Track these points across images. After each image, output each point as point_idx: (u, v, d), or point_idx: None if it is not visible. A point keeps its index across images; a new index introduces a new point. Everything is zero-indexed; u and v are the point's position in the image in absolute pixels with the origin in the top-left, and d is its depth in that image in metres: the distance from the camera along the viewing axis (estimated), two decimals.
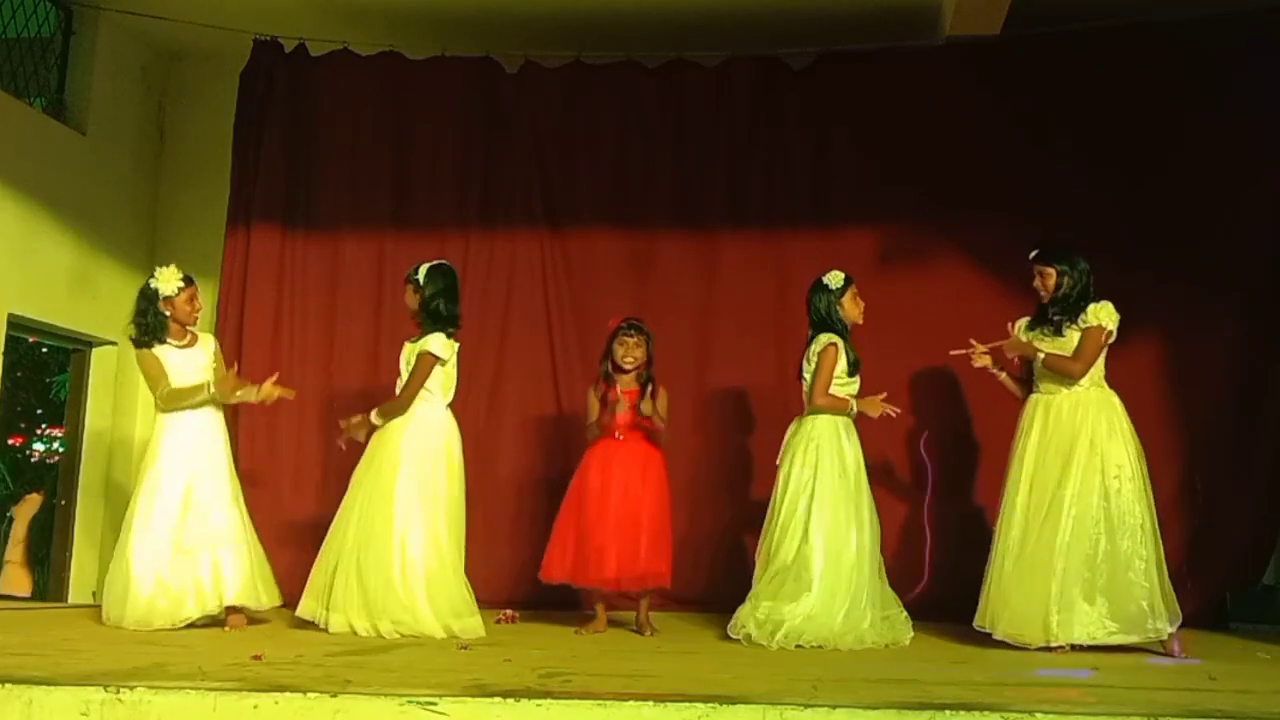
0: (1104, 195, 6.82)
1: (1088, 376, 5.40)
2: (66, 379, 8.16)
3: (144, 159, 7.94)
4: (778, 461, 5.71)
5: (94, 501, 7.50)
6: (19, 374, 9.02)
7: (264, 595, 5.80)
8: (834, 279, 5.71)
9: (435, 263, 5.84)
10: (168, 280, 5.77)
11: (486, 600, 5.92)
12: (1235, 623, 6.39)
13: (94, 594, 6.92)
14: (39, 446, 9.67)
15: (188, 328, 5.87)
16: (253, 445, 7.15)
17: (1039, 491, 5.35)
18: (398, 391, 5.74)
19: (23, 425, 9.58)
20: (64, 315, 7.25)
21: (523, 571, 6.85)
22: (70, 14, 7.45)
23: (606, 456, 5.83)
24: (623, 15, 7.09)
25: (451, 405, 5.78)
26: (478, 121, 7.47)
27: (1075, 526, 5.24)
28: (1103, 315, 5.40)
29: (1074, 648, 5.15)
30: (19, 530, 8.27)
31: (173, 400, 5.73)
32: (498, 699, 3.44)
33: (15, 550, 8.20)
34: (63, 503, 7.54)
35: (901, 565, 6.36)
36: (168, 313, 5.78)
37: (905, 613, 5.60)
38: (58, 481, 7.74)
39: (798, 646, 5.28)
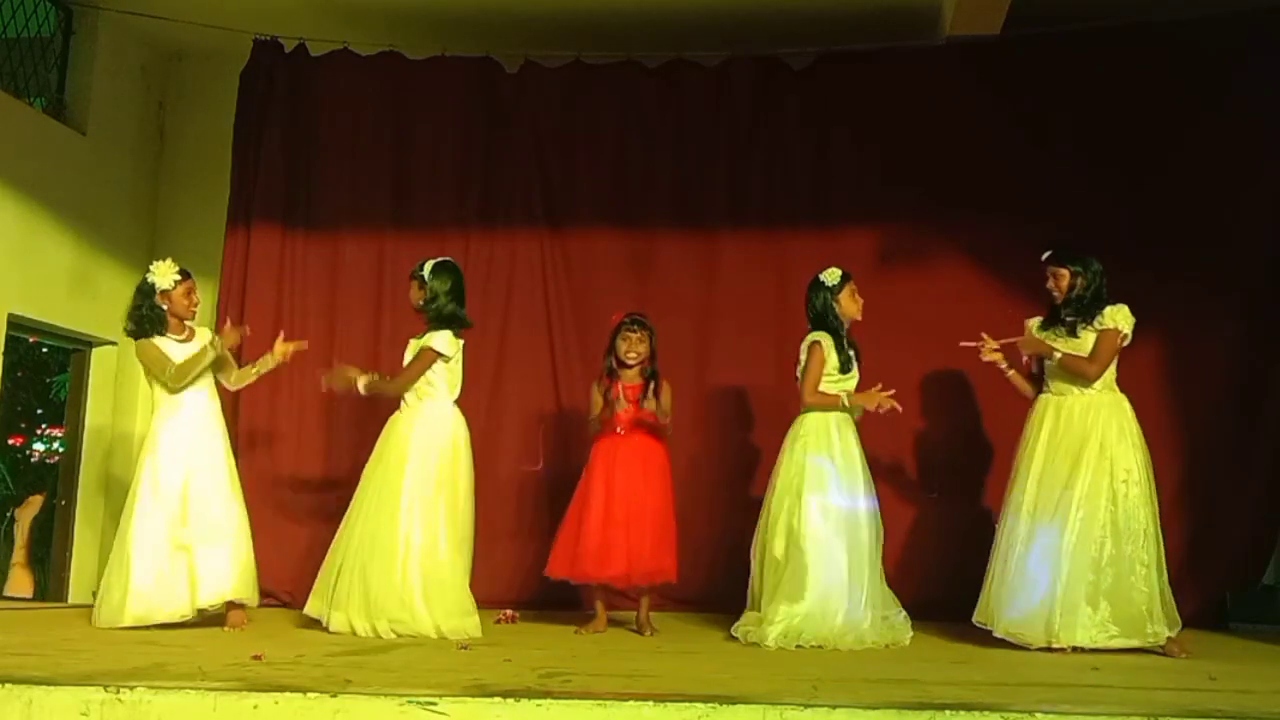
0: (1104, 195, 6.82)
1: (1100, 379, 5.41)
2: (66, 379, 8.16)
3: (144, 159, 7.94)
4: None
5: (94, 501, 7.50)
6: (19, 374, 9.02)
7: (254, 592, 5.81)
8: (830, 275, 5.71)
9: (441, 260, 5.85)
10: (164, 274, 5.77)
11: (487, 600, 5.92)
12: (1235, 623, 6.40)
13: (94, 594, 6.91)
14: (39, 446, 9.67)
15: (185, 322, 5.87)
16: (252, 446, 7.14)
17: (1046, 491, 5.35)
18: None
19: (23, 425, 9.58)
20: (64, 315, 7.25)
21: (523, 572, 6.87)
22: (70, 14, 7.45)
23: (610, 453, 5.84)
24: (623, 15, 7.10)
25: (458, 402, 5.79)
26: (478, 121, 7.47)
27: (1082, 528, 5.25)
28: (1119, 318, 5.41)
29: (1075, 650, 5.15)
30: (22, 532, 8.28)
31: (181, 374, 5.71)
32: (498, 699, 3.44)
33: (19, 552, 8.21)
34: (63, 503, 7.54)
35: (902, 565, 6.36)
36: (165, 306, 5.77)
37: (905, 613, 5.59)
38: (58, 482, 7.74)
39: (798, 646, 5.27)
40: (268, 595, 6.48)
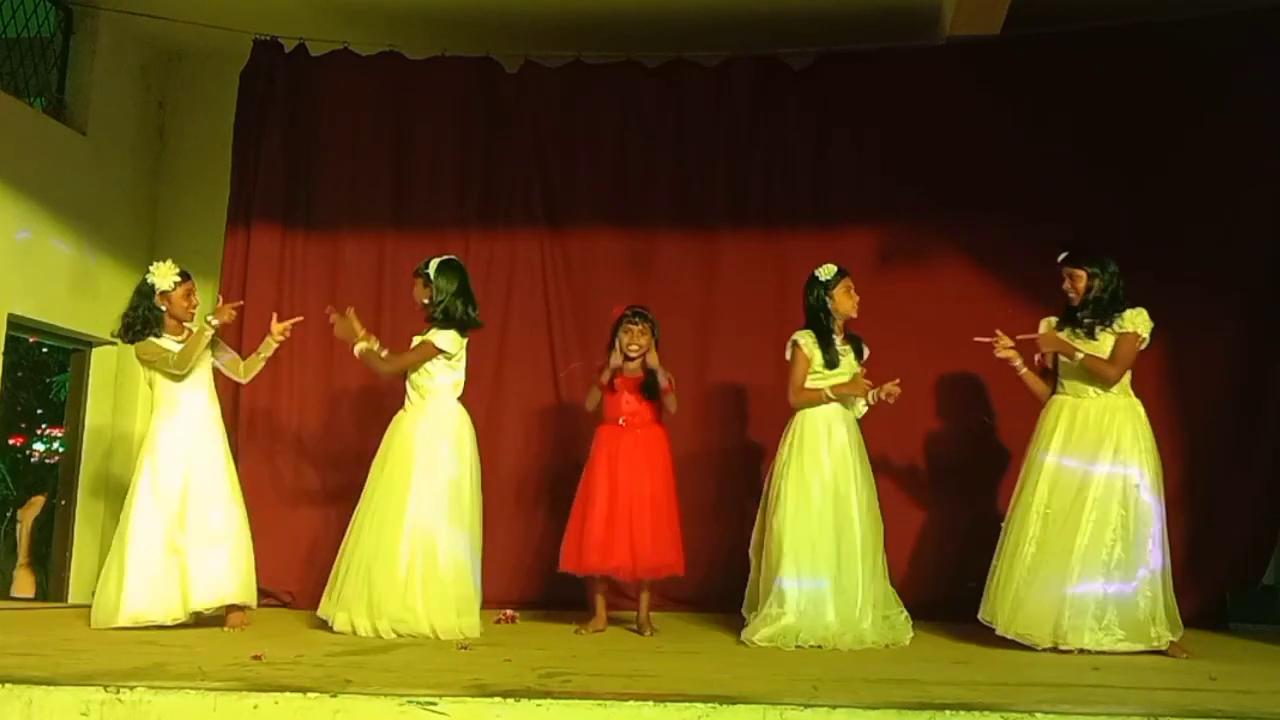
0: (1104, 195, 6.82)
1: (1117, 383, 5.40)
2: (66, 379, 8.16)
3: (144, 159, 7.94)
4: None
5: (94, 502, 7.50)
6: (19, 374, 9.01)
7: (254, 594, 5.80)
8: (825, 271, 5.72)
9: (446, 258, 5.85)
10: (164, 275, 5.77)
11: (487, 600, 5.90)
12: (1235, 623, 6.39)
13: (93, 594, 6.91)
14: (39, 446, 9.66)
15: (184, 324, 5.86)
16: (253, 446, 7.14)
17: (1061, 493, 5.34)
18: (408, 386, 5.77)
19: (23, 425, 9.57)
20: (64, 315, 7.25)
21: (523, 571, 6.88)
22: (70, 14, 7.45)
23: (612, 444, 5.87)
24: (623, 15, 7.09)
25: (461, 399, 5.80)
26: (478, 121, 7.48)
27: (1094, 531, 5.25)
28: (1139, 322, 5.41)
29: (1081, 651, 5.14)
30: (25, 533, 8.29)
31: (184, 360, 5.70)
32: (498, 699, 3.44)
33: (22, 553, 8.23)
34: (63, 503, 7.54)
35: (904, 564, 6.36)
36: (163, 308, 5.77)
37: (906, 613, 5.59)
38: (58, 482, 7.74)
39: (797, 647, 5.28)
40: (268, 595, 6.48)
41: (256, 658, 4.39)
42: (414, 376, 5.74)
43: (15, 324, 6.90)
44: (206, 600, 5.61)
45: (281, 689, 3.52)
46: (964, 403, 6.90)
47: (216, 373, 5.95)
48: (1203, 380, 6.57)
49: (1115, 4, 6.76)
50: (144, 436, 5.95)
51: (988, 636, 5.38)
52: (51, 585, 7.52)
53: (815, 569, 5.43)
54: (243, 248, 7.37)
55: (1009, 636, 5.26)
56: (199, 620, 5.64)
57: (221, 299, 6.30)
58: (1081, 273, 5.46)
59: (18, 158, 6.84)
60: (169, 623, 5.52)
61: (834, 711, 3.32)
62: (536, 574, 6.86)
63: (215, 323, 5.78)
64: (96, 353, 7.56)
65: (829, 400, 5.61)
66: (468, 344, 5.83)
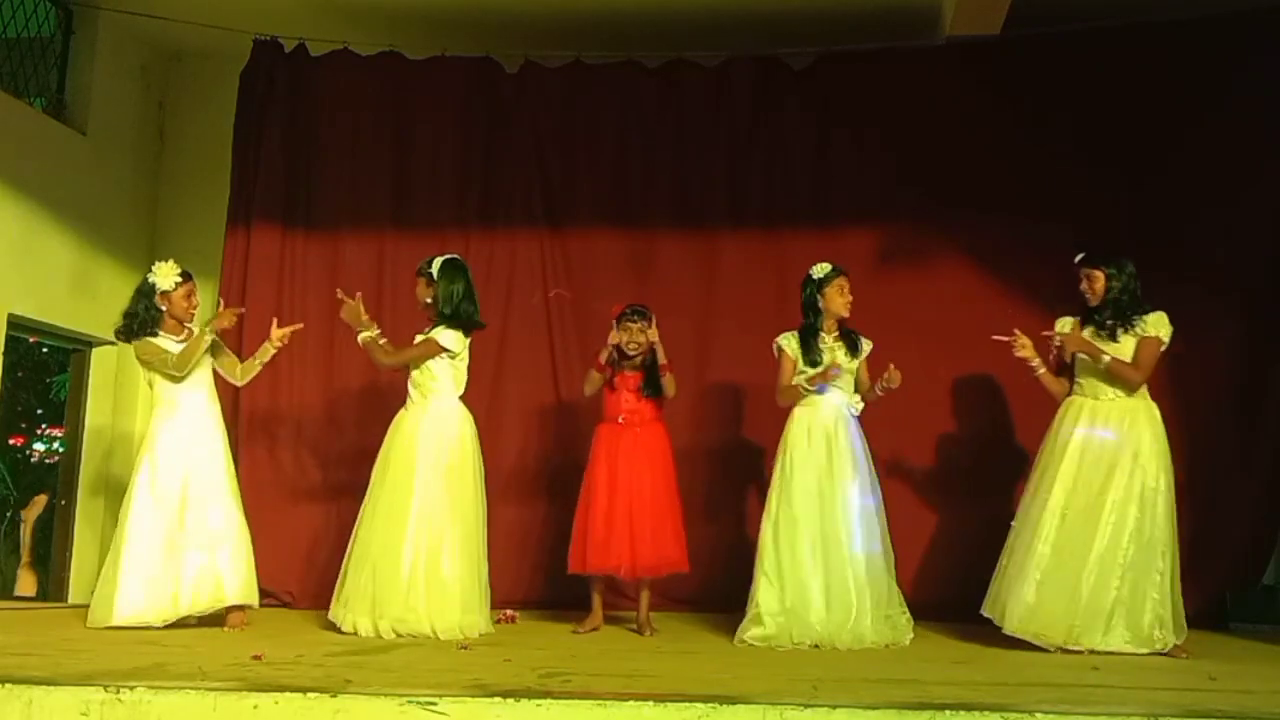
0: (1104, 195, 6.82)
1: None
2: (66, 379, 8.16)
3: (144, 159, 7.94)
4: None
5: (94, 502, 7.50)
6: (19, 374, 9.01)
7: (255, 594, 5.80)
8: (819, 269, 5.74)
9: (449, 257, 5.85)
10: (165, 275, 5.77)
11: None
12: (1235, 623, 6.39)
13: (93, 594, 6.92)
14: (39, 446, 9.67)
15: (185, 324, 5.86)
16: (253, 446, 7.14)
17: (1080, 494, 5.32)
18: (410, 385, 5.77)
19: (23, 425, 9.57)
20: (64, 315, 7.25)
21: (523, 571, 6.88)
22: (70, 14, 7.45)
23: (612, 443, 5.88)
24: (623, 15, 7.09)
25: (462, 398, 5.81)
26: (478, 121, 7.47)
27: (1112, 534, 5.24)
28: (1160, 326, 5.40)
29: (1091, 652, 5.13)
30: (27, 533, 8.31)
31: (183, 362, 5.70)
32: (498, 699, 3.44)
33: (24, 552, 8.25)
34: (63, 503, 7.54)
35: (906, 565, 6.36)
36: (164, 308, 5.77)
37: (908, 613, 5.59)
38: (58, 482, 7.74)
39: (793, 645, 5.28)
40: (268, 595, 6.48)
41: (256, 658, 4.39)
42: (416, 375, 5.74)
43: (15, 324, 6.91)
44: (206, 601, 5.61)
45: (281, 689, 3.52)
46: (964, 403, 6.90)
47: (216, 373, 5.95)
48: (1203, 380, 6.56)
49: (1115, 4, 6.76)
50: (144, 436, 5.94)
51: (988, 636, 5.38)
52: (51, 585, 7.52)
53: (796, 568, 5.44)
54: (243, 248, 7.37)
55: (1019, 635, 5.23)
56: (199, 620, 5.64)
57: (223, 302, 6.30)
58: (1099, 273, 5.45)
59: (18, 158, 6.84)
60: (162, 624, 5.51)
61: (834, 711, 3.32)
62: (537, 574, 6.86)
63: (215, 330, 5.79)
64: (96, 353, 7.56)
65: (807, 392, 5.62)
66: (469, 343, 5.83)
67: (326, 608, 5.71)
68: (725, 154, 7.33)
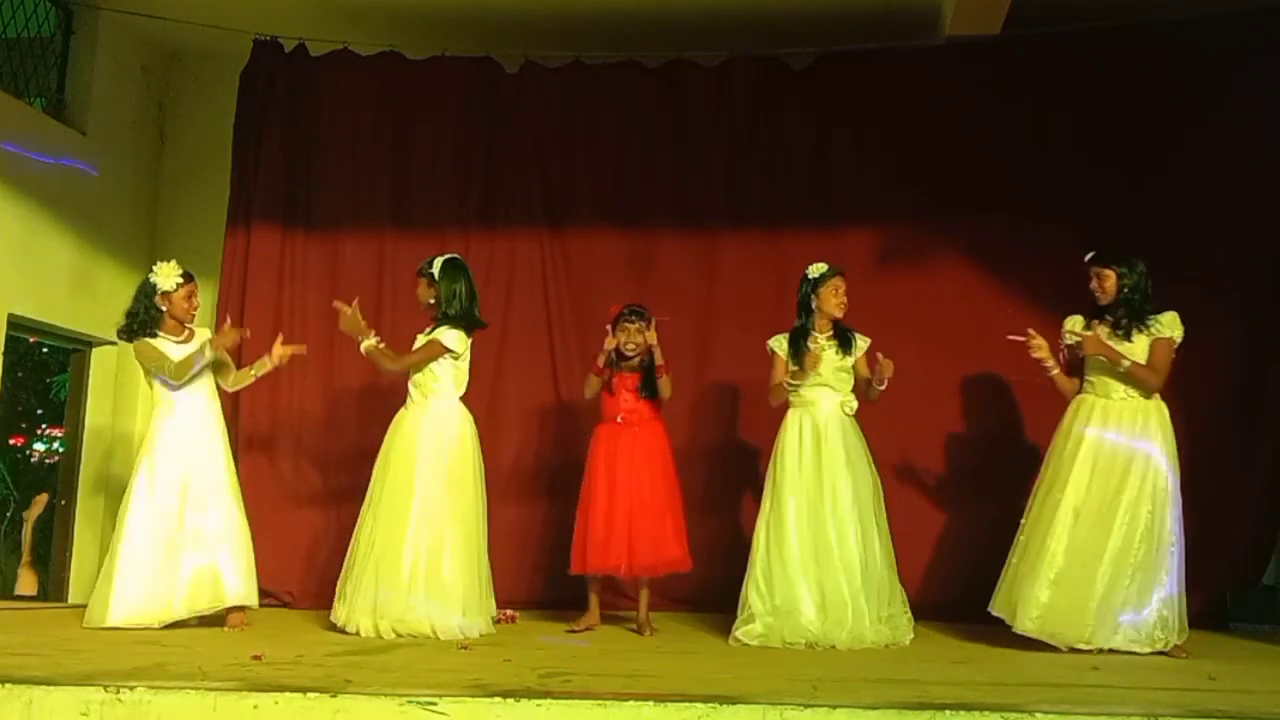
0: (1104, 195, 6.82)
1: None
2: (66, 379, 8.16)
3: (144, 159, 7.94)
4: None
5: (94, 502, 7.50)
6: (19, 374, 9.01)
7: (255, 595, 5.80)
8: (815, 269, 5.75)
9: (449, 256, 5.85)
10: (166, 276, 5.77)
11: None
12: (1235, 623, 6.38)
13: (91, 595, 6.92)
14: (39, 446, 9.67)
15: (185, 325, 5.86)
16: (253, 446, 7.14)
17: (1094, 494, 5.29)
18: (410, 385, 5.77)
19: (23, 425, 9.57)
20: (64, 315, 7.25)
21: (523, 571, 6.87)
22: (70, 14, 7.45)
23: (611, 443, 5.88)
24: (623, 15, 7.09)
25: (464, 399, 5.80)
26: (478, 121, 7.47)
27: (1126, 534, 5.23)
28: (1175, 327, 5.39)
29: (1101, 651, 5.12)
30: (28, 532, 8.31)
31: (182, 370, 5.70)
32: (498, 699, 3.44)
33: (25, 552, 8.24)
34: (63, 503, 7.54)
35: (907, 565, 6.36)
36: (164, 308, 5.77)
37: (909, 614, 5.58)
38: (58, 482, 7.74)
39: (786, 645, 5.28)
40: (268, 595, 6.48)
41: (256, 658, 4.39)
42: (417, 375, 5.74)
43: (15, 324, 6.90)
44: (205, 603, 5.60)
45: (281, 689, 3.52)
46: (964, 402, 6.90)
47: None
48: (1203, 380, 6.55)
49: (1115, 4, 6.76)
50: (144, 436, 5.94)
51: (989, 636, 5.38)
52: (51, 585, 7.52)
53: (786, 569, 5.44)
54: (243, 248, 7.37)
55: (1032, 635, 5.20)
56: (199, 620, 5.64)
57: (228, 319, 6.23)
58: (1110, 272, 5.42)
59: (18, 158, 6.84)
60: (159, 625, 5.50)
61: (834, 711, 3.32)
62: (537, 574, 6.86)
63: (217, 346, 5.78)
64: (96, 353, 7.56)
65: (792, 388, 5.64)
66: (470, 343, 5.83)
67: (327, 608, 5.71)
68: (725, 154, 7.33)
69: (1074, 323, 5.53)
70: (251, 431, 7.18)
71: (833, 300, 5.69)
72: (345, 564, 5.67)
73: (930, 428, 6.89)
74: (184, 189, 7.97)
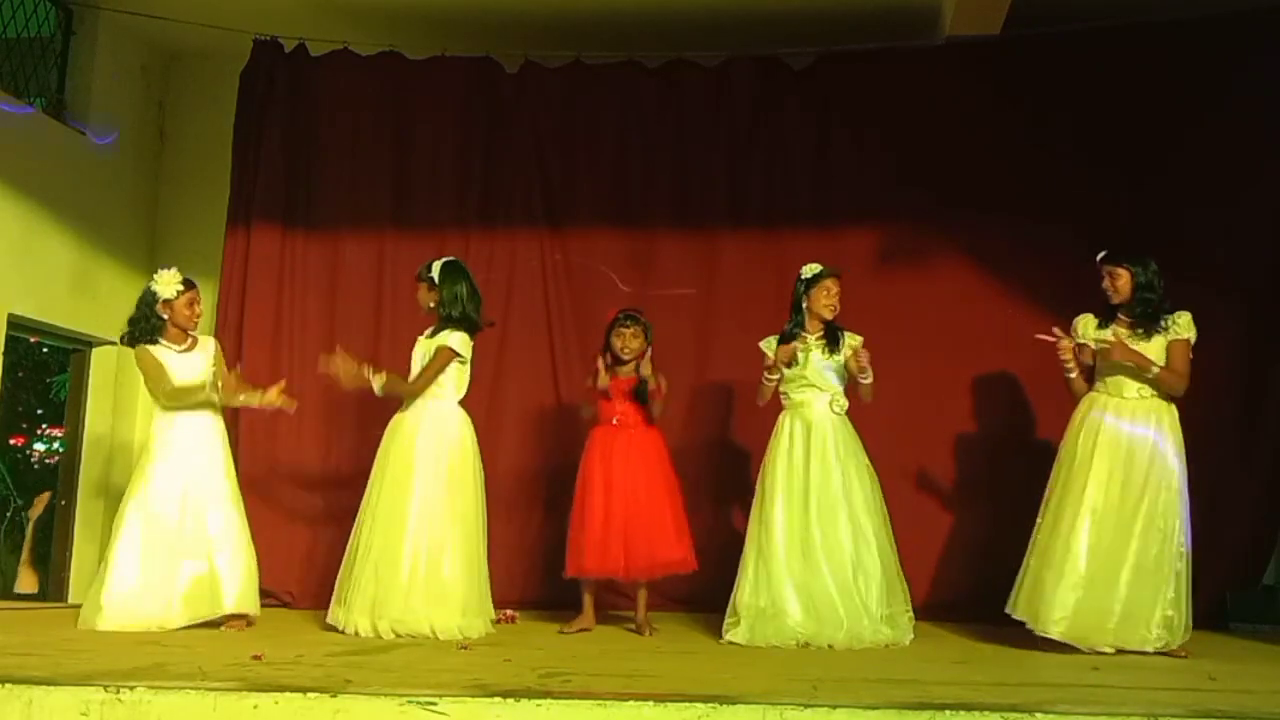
0: (1104, 195, 6.82)
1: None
2: (66, 379, 8.16)
3: (144, 159, 7.94)
4: None
5: (94, 502, 7.50)
6: (19, 374, 9.02)
7: (256, 603, 5.78)
8: (808, 269, 5.74)
9: (447, 260, 5.84)
10: (167, 283, 5.76)
11: None
12: (1235, 623, 6.38)
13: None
14: (39, 446, 9.67)
15: (188, 332, 5.85)
16: (253, 446, 7.14)
17: (1113, 495, 5.25)
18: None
19: (23, 425, 9.58)
20: (64, 315, 7.25)
21: (523, 571, 6.87)
22: (70, 14, 7.45)
23: (606, 445, 5.87)
24: (623, 15, 7.10)
25: (463, 402, 5.79)
26: (478, 121, 7.47)
27: (1146, 536, 5.20)
28: (1190, 328, 5.34)
29: (1120, 652, 5.11)
30: (29, 531, 8.32)
31: (174, 398, 5.70)
32: (498, 699, 3.44)
33: (27, 551, 8.25)
34: (63, 503, 7.54)
35: (913, 566, 6.36)
36: (166, 316, 5.76)
37: (911, 613, 5.56)
38: (58, 482, 7.74)
39: (775, 644, 5.27)
40: (268, 595, 6.47)
41: (256, 658, 4.38)
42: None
43: (15, 324, 6.91)
44: (204, 611, 5.56)
45: (281, 689, 3.52)
46: (964, 402, 6.90)
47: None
48: (1203, 380, 6.53)
49: (1115, 4, 6.76)
50: (144, 436, 5.94)
51: (988, 636, 5.37)
52: (51, 585, 7.52)
53: (773, 570, 5.44)
54: (243, 248, 7.37)
55: (1057, 639, 5.15)
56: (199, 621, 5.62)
57: (239, 369, 6.17)
58: (1124, 271, 5.38)
59: (18, 158, 6.84)
60: (156, 629, 5.47)
61: (834, 711, 3.31)
62: (537, 574, 6.86)
63: (216, 396, 5.74)
64: (96, 353, 7.56)
65: (769, 382, 5.66)
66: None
67: (326, 608, 5.70)
68: (725, 154, 7.33)
69: (1086, 323, 5.49)
70: (251, 430, 7.16)
71: (823, 301, 5.68)
72: (343, 565, 5.66)
73: (930, 428, 6.88)
74: (184, 189, 7.97)
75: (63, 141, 7.26)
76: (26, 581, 8.09)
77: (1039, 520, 5.43)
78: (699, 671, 4.44)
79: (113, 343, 7.39)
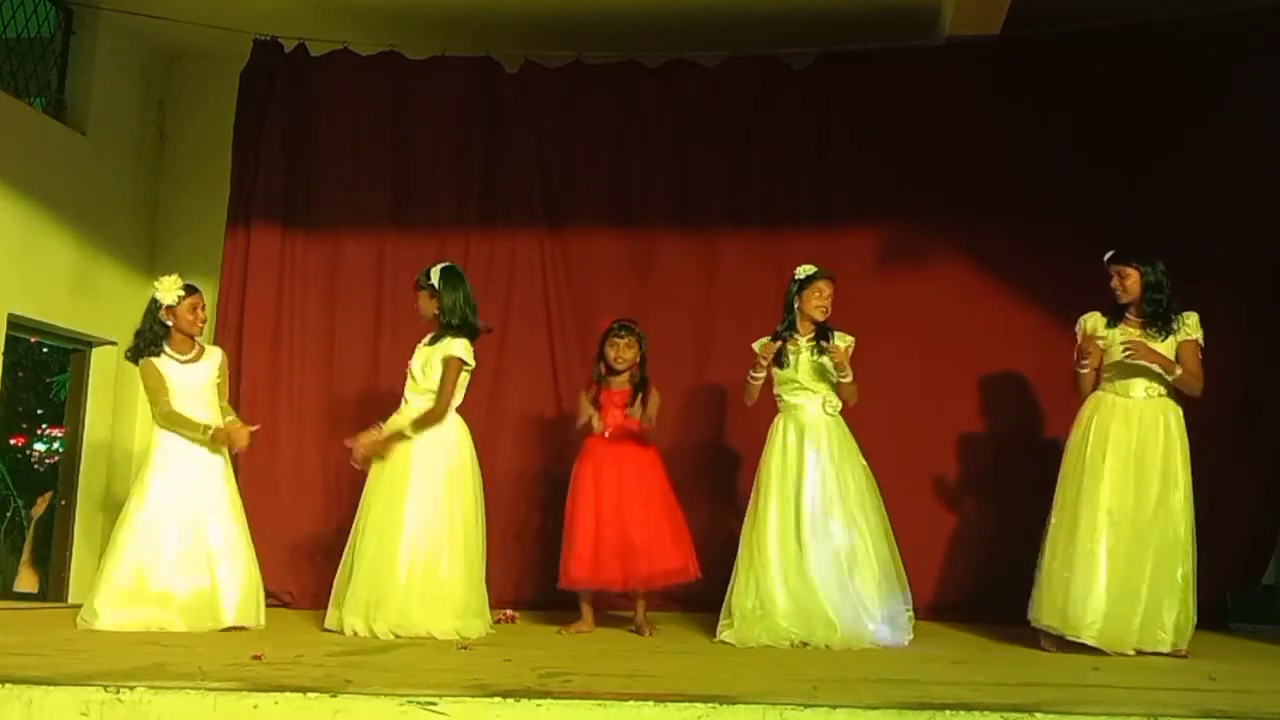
0: (1103, 195, 6.82)
1: (1166, 384, 5.34)
2: (66, 379, 8.17)
3: (144, 159, 7.95)
4: None
5: (94, 502, 7.51)
6: (19, 374, 9.02)
7: (260, 614, 5.77)
8: (802, 270, 5.73)
9: (446, 266, 5.82)
10: (168, 290, 5.72)
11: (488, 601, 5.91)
12: (1235, 623, 6.38)
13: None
14: (39, 446, 9.68)
15: (195, 340, 5.82)
16: (253, 448, 7.11)
17: (1129, 496, 5.22)
18: (407, 394, 5.73)
19: (23, 425, 9.58)
20: (64, 315, 7.25)
21: (522, 572, 6.87)
22: (70, 14, 7.46)
23: (597, 457, 5.83)
24: (623, 15, 7.10)
25: (461, 405, 5.78)
26: (478, 121, 7.47)
27: (1159, 538, 5.18)
28: (1198, 329, 5.32)
29: (1139, 653, 5.09)
30: (30, 531, 8.32)
31: (169, 422, 5.66)
32: (498, 699, 3.43)
33: (28, 550, 8.25)
34: (63, 503, 7.54)
35: (914, 566, 6.36)
36: (169, 323, 5.73)
37: (912, 613, 5.55)
38: (57, 482, 7.74)
39: (767, 644, 5.27)
40: (268, 595, 6.46)
41: (256, 658, 4.38)
42: (422, 382, 5.69)
43: (15, 324, 6.91)
44: (205, 624, 5.53)
45: (281, 689, 3.52)
46: (964, 402, 6.90)
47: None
48: (1203, 380, 6.56)
49: (1115, 4, 6.76)
50: (144, 437, 5.94)
51: (988, 636, 5.36)
52: (51, 585, 7.52)
53: (764, 570, 5.44)
54: (243, 248, 7.37)
55: (1091, 644, 5.10)
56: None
57: (245, 419, 6.10)
58: (1134, 270, 5.35)
59: (18, 158, 6.84)
60: (153, 630, 5.46)
61: (834, 711, 3.31)
62: (537, 574, 6.85)
63: (210, 440, 5.68)
64: (96, 353, 7.56)
65: (753, 380, 5.67)
66: None
67: (326, 608, 5.69)
68: (725, 154, 7.33)
69: (1095, 321, 5.44)
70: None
71: (814, 302, 5.66)
72: (340, 569, 5.65)
73: (930, 427, 6.88)
74: (184, 189, 7.98)
75: (63, 141, 7.27)
76: (26, 581, 8.09)
77: (1051, 522, 5.37)
78: (699, 671, 4.44)
79: (113, 343, 7.41)
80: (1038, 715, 3.31)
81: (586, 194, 7.43)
